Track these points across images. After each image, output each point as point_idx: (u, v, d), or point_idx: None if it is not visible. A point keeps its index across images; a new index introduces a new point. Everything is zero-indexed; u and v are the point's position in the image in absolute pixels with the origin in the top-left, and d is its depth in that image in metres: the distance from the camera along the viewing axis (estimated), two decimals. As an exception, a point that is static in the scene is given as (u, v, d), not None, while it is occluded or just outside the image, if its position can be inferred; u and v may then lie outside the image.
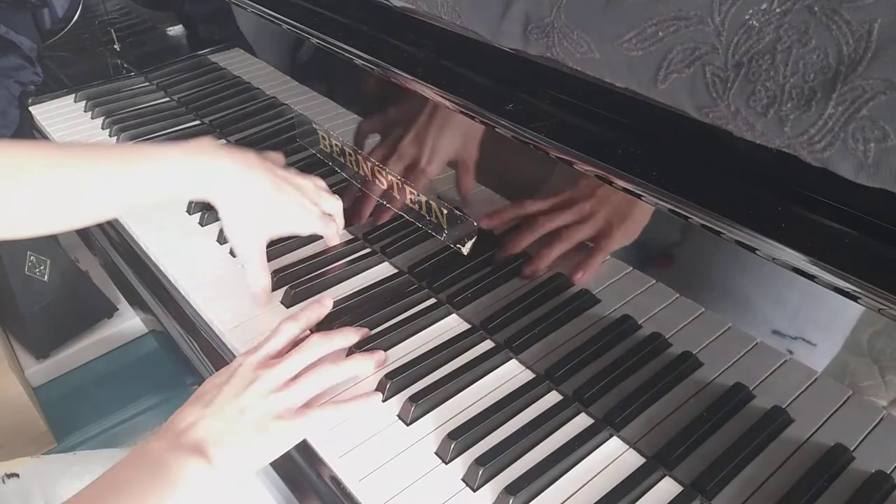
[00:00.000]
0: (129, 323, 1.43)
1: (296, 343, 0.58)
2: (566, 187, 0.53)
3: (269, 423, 0.51)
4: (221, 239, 0.76)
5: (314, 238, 0.76)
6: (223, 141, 0.79)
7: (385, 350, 0.61)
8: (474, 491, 0.51)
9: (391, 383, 0.57)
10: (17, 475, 0.68)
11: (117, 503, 0.46)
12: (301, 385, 0.54)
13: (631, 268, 0.51)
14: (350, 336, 0.61)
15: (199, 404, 0.52)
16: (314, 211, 0.68)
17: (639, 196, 0.47)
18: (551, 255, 0.56)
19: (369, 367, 0.59)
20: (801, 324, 0.43)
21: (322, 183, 0.71)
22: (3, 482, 0.67)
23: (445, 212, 0.63)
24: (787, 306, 0.43)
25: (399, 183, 0.67)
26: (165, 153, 0.61)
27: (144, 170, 0.60)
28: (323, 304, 0.63)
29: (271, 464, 0.55)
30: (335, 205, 0.71)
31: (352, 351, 0.61)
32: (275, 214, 0.66)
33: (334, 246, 0.74)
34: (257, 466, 0.52)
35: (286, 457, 0.54)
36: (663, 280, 0.50)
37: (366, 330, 0.63)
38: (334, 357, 0.59)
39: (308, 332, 0.61)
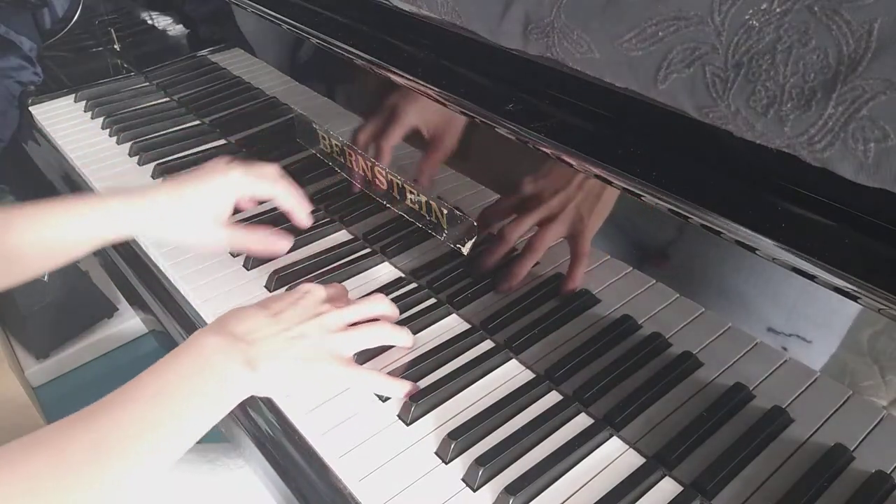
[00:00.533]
0: (129, 323, 1.43)
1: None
2: (569, 189, 0.53)
3: (321, 360, 0.53)
4: (221, 239, 0.76)
5: (314, 238, 0.76)
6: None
7: (384, 350, 0.62)
8: (474, 491, 0.51)
9: (391, 383, 0.57)
10: None
11: (154, 395, 0.46)
12: (359, 333, 0.56)
13: (631, 268, 0.51)
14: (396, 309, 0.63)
15: (263, 314, 0.53)
16: (232, 170, 0.65)
17: (639, 196, 0.47)
18: (549, 255, 0.56)
19: (409, 341, 0.61)
20: (800, 324, 0.43)
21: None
22: None
23: (445, 212, 0.63)
24: (786, 306, 0.43)
25: (399, 183, 0.67)
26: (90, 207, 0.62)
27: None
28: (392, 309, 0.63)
29: (271, 464, 0.55)
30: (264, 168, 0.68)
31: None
32: (197, 207, 0.64)
33: (329, 241, 0.75)
34: (296, 391, 0.55)
35: (287, 457, 0.54)
36: (663, 280, 0.50)
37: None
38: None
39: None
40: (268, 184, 0.67)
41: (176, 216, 0.63)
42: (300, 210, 0.68)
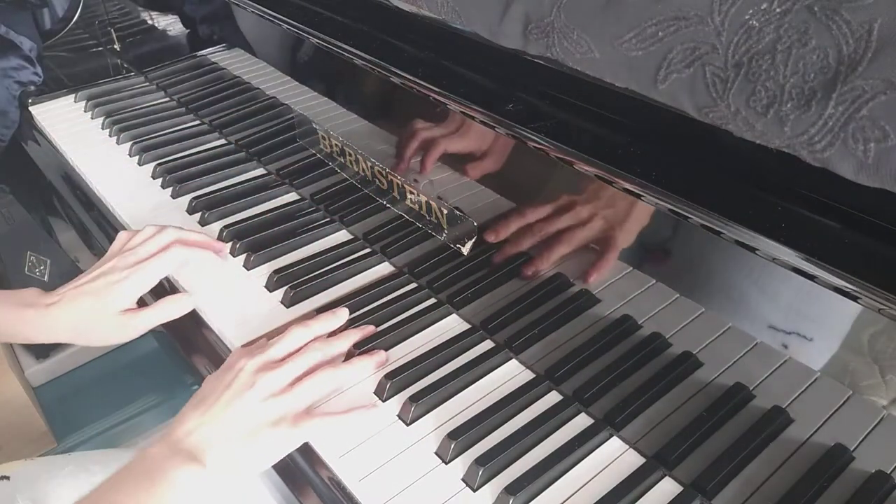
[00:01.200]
0: (129, 323, 1.43)
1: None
2: (569, 189, 0.53)
3: (266, 430, 0.51)
4: (222, 239, 0.76)
5: (314, 238, 0.76)
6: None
7: (385, 350, 0.61)
8: (474, 491, 0.51)
9: (391, 383, 0.57)
10: (7, 478, 0.67)
11: None
12: (299, 391, 0.54)
13: (631, 268, 0.51)
14: (351, 338, 0.61)
15: (199, 410, 0.52)
16: (126, 279, 0.64)
17: (639, 196, 0.47)
18: (552, 257, 0.56)
19: (369, 369, 0.59)
20: (800, 323, 0.43)
21: (140, 237, 0.68)
22: None
23: (445, 212, 0.63)
24: (786, 306, 0.43)
25: (399, 183, 0.67)
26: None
27: None
28: (337, 315, 0.63)
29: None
30: (157, 241, 0.67)
31: (352, 352, 0.61)
32: (100, 312, 0.64)
33: (329, 241, 0.74)
34: (254, 472, 0.52)
35: (286, 457, 0.54)
36: (663, 280, 0.50)
37: (370, 328, 0.63)
38: (334, 359, 0.59)
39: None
40: (161, 270, 0.66)
41: (84, 326, 0.64)
42: (202, 253, 0.70)
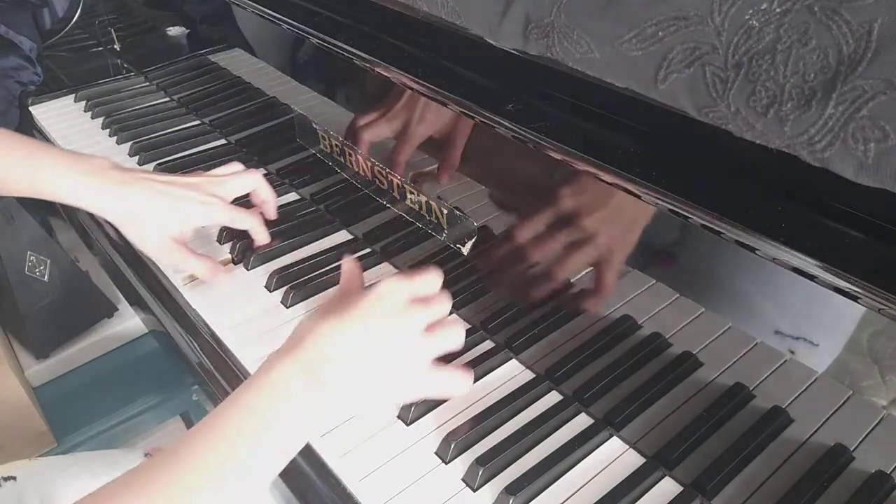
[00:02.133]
0: (129, 323, 1.43)
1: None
2: (570, 189, 0.53)
3: (419, 363, 0.49)
4: (222, 238, 0.76)
5: (314, 238, 0.76)
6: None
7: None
8: (474, 491, 0.51)
9: (391, 383, 0.57)
10: (14, 478, 0.67)
11: (246, 426, 0.44)
12: (443, 337, 0.50)
13: (631, 268, 0.51)
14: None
15: (345, 330, 0.47)
16: (213, 203, 0.66)
17: (639, 196, 0.47)
18: (553, 259, 0.56)
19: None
20: (800, 323, 0.43)
21: (228, 169, 0.71)
22: (1, 485, 0.67)
23: (445, 212, 0.63)
24: (786, 306, 0.43)
25: (399, 183, 0.67)
26: (65, 169, 0.64)
27: (43, 175, 0.64)
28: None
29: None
30: (243, 183, 0.70)
31: None
32: (164, 217, 0.65)
33: (329, 241, 0.74)
34: (383, 405, 0.51)
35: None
36: (663, 280, 0.50)
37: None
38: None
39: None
40: (241, 219, 0.69)
41: (140, 221, 0.65)
42: (263, 233, 0.72)
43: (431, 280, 0.53)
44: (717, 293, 0.47)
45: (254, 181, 0.71)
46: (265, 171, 0.88)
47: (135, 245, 0.68)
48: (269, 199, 0.73)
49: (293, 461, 0.54)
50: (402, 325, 0.48)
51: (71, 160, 0.65)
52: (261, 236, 0.72)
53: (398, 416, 0.56)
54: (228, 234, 0.76)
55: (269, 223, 0.76)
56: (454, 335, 0.51)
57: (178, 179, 0.67)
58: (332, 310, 0.48)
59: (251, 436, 0.44)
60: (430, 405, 0.57)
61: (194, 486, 0.41)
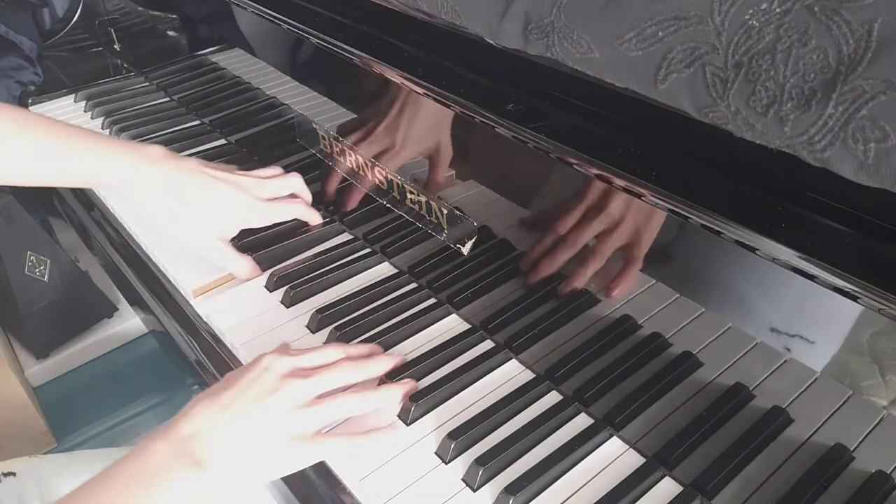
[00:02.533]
0: (129, 323, 1.43)
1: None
2: (569, 189, 0.53)
3: (283, 442, 0.48)
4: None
5: (314, 238, 0.76)
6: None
7: (385, 350, 0.61)
8: (474, 491, 0.51)
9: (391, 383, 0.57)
10: (14, 474, 0.68)
11: (107, 498, 0.45)
12: (325, 407, 0.50)
13: (624, 266, 0.51)
14: (384, 364, 0.57)
15: (213, 405, 0.48)
16: (266, 209, 0.69)
17: (639, 196, 0.47)
18: (556, 260, 0.56)
19: (397, 399, 0.55)
20: (800, 323, 0.43)
21: (270, 171, 0.73)
22: (0, 480, 0.67)
23: (445, 212, 0.63)
24: (786, 306, 0.43)
25: (399, 183, 0.67)
26: (131, 155, 0.65)
27: (91, 158, 0.64)
28: (393, 360, 0.58)
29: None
30: (285, 186, 0.72)
31: (382, 379, 0.58)
32: (212, 212, 0.67)
33: (329, 241, 0.75)
34: (258, 483, 0.49)
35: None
36: (663, 280, 0.50)
37: (401, 358, 0.59)
38: (363, 383, 0.56)
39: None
40: (292, 213, 0.72)
41: (197, 214, 0.66)
42: (314, 216, 0.74)
43: (321, 355, 0.54)
44: (717, 293, 0.47)
45: (295, 184, 0.73)
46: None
47: (182, 237, 0.68)
48: (308, 201, 0.75)
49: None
50: (273, 403, 0.48)
51: (132, 147, 0.65)
52: (313, 217, 0.75)
53: (398, 416, 0.56)
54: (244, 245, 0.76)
55: (269, 224, 0.76)
56: (335, 408, 0.51)
57: (230, 177, 0.68)
58: (212, 391, 0.50)
59: None
60: (431, 405, 0.57)
61: None
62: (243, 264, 0.69)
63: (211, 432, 0.47)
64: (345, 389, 0.54)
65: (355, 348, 0.58)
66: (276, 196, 0.72)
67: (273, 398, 0.49)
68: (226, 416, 0.48)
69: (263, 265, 0.72)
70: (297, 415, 0.49)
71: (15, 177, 0.65)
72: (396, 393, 0.55)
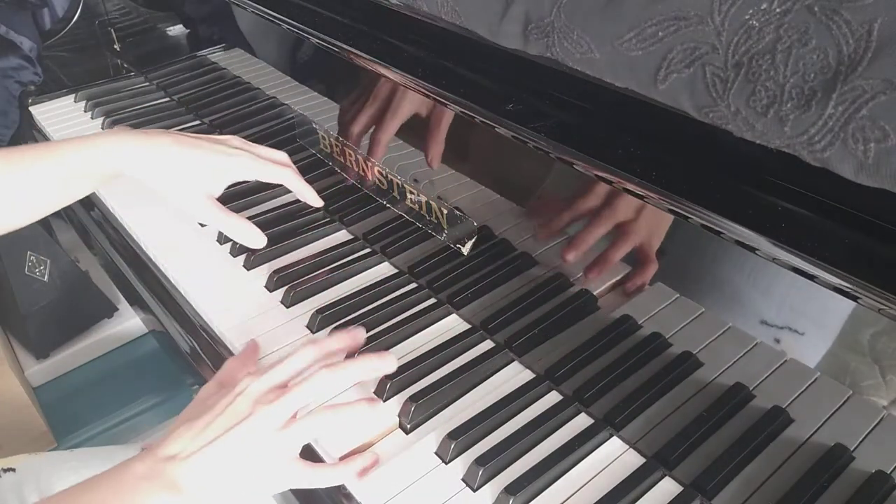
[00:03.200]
0: (129, 323, 1.43)
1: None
2: (570, 189, 0.53)
3: (261, 464, 0.48)
4: (221, 238, 0.76)
5: (314, 238, 0.76)
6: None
7: (385, 350, 0.61)
8: (474, 491, 0.51)
9: (391, 383, 0.57)
10: (14, 470, 0.68)
11: None
12: (300, 427, 0.49)
13: (631, 268, 0.51)
14: (371, 365, 0.54)
15: (189, 432, 0.48)
16: (242, 154, 0.66)
17: (639, 196, 0.47)
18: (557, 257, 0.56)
19: (370, 413, 0.53)
20: (800, 323, 0.43)
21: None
22: (0, 476, 0.67)
23: (445, 212, 0.63)
24: (786, 306, 0.43)
25: (399, 183, 0.67)
26: (82, 139, 0.63)
27: (69, 152, 0.62)
28: (353, 335, 0.57)
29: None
30: (273, 154, 0.69)
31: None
32: (199, 168, 0.64)
33: (329, 241, 0.74)
34: (238, 496, 0.49)
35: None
36: (663, 280, 0.50)
37: (392, 357, 0.55)
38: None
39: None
40: (275, 170, 0.67)
41: (173, 172, 0.63)
42: (308, 193, 0.69)
43: (295, 363, 0.52)
44: (717, 293, 0.47)
45: (282, 156, 0.70)
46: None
47: (171, 200, 0.65)
48: (302, 190, 0.70)
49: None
50: (248, 430, 0.48)
51: (82, 137, 0.63)
52: (307, 195, 0.70)
53: (398, 416, 0.56)
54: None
55: (269, 223, 0.76)
56: (311, 427, 0.50)
57: (205, 136, 0.66)
58: (190, 414, 0.50)
59: None
60: (431, 405, 0.57)
61: None
62: (237, 223, 0.65)
63: (187, 457, 0.47)
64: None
65: (334, 341, 0.56)
66: (262, 153, 0.68)
67: (247, 424, 0.48)
68: (201, 441, 0.48)
69: (258, 260, 0.72)
70: (272, 438, 0.48)
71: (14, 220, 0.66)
72: (369, 409, 0.53)
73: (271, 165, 0.67)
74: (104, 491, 0.46)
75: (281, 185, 0.83)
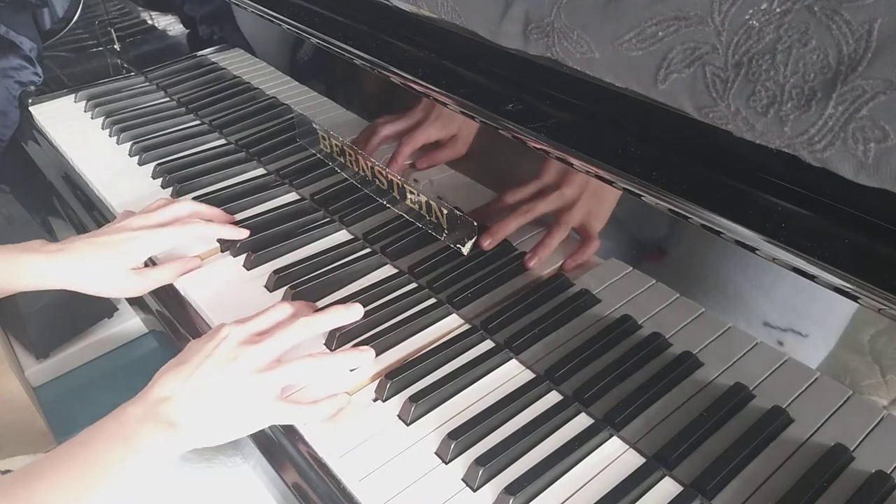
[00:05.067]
0: (129, 323, 1.43)
1: None
2: (572, 191, 0.53)
3: (245, 405, 0.52)
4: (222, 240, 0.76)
5: (314, 238, 0.76)
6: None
7: (385, 350, 0.61)
8: (474, 491, 0.51)
9: (391, 383, 0.57)
10: (10, 472, 0.68)
11: (85, 463, 0.49)
12: (284, 369, 0.54)
13: (631, 268, 0.51)
14: (340, 315, 0.61)
15: (178, 375, 0.52)
16: (140, 235, 0.68)
17: (639, 196, 0.47)
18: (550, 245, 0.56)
19: (353, 363, 0.59)
20: (800, 323, 0.43)
21: (155, 205, 0.72)
22: None
23: (445, 212, 0.63)
24: (786, 306, 0.43)
25: (399, 183, 0.67)
26: (15, 257, 0.64)
27: None
28: (352, 310, 0.62)
29: (270, 463, 0.55)
30: (172, 208, 0.71)
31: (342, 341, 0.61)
32: (113, 260, 0.66)
33: (329, 241, 0.74)
34: (227, 440, 0.53)
35: (286, 455, 0.54)
36: (663, 280, 0.50)
37: (358, 306, 0.62)
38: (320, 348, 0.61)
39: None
40: (177, 231, 0.69)
41: (92, 274, 0.66)
42: (224, 231, 0.73)
43: (273, 314, 0.59)
44: (717, 293, 0.47)
45: (184, 208, 0.72)
46: (265, 171, 0.88)
47: (101, 295, 0.68)
48: (217, 217, 0.74)
49: (293, 461, 0.54)
50: (234, 370, 0.53)
51: (5, 249, 0.65)
52: (223, 233, 0.73)
53: (398, 416, 0.56)
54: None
55: (269, 223, 0.76)
56: (293, 370, 0.55)
57: (107, 227, 0.70)
58: (177, 361, 0.54)
59: (93, 476, 0.48)
60: (431, 405, 0.57)
61: None
62: (165, 271, 0.69)
63: (180, 398, 0.51)
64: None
65: (305, 306, 0.63)
66: (170, 218, 0.70)
67: (234, 365, 0.53)
68: (191, 383, 0.52)
69: (258, 260, 0.72)
70: (257, 378, 0.53)
71: None
72: (353, 358, 0.59)
73: (171, 229, 0.69)
74: (106, 438, 0.50)
75: (281, 185, 0.84)
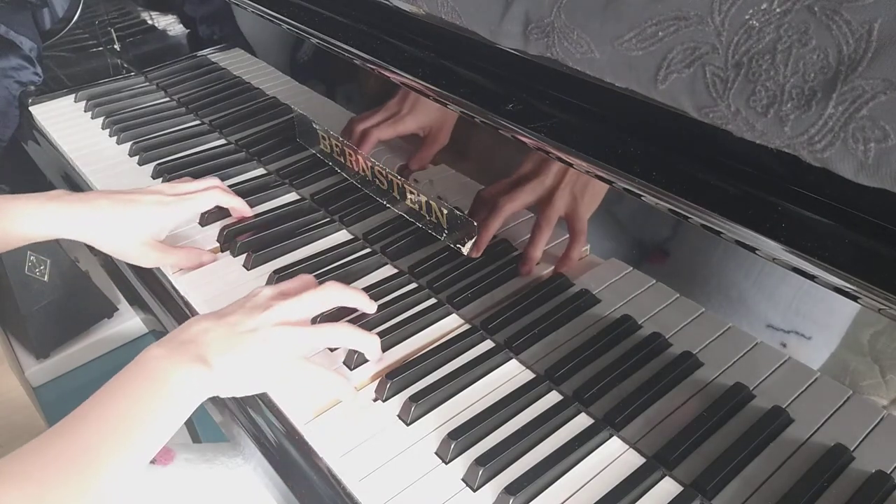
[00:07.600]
0: (129, 323, 1.43)
1: None
2: (572, 190, 0.53)
3: (274, 353, 0.53)
4: (221, 238, 0.76)
5: (314, 238, 0.76)
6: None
7: (385, 350, 0.61)
8: (474, 491, 0.51)
9: (391, 383, 0.57)
10: None
11: (115, 406, 0.47)
12: (312, 329, 0.55)
13: (631, 268, 0.51)
14: (364, 299, 0.62)
15: (210, 318, 0.53)
16: (168, 201, 0.69)
17: (639, 196, 0.47)
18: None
19: (371, 343, 0.59)
20: (801, 323, 0.43)
21: (184, 185, 0.73)
22: None
23: (445, 212, 0.63)
24: (787, 306, 0.43)
25: (399, 183, 0.67)
26: (27, 200, 0.65)
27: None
28: (371, 302, 0.63)
29: (271, 464, 0.55)
30: (198, 184, 0.73)
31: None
32: (133, 222, 0.67)
33: (329, 241, 0.75)
34: (252, 390, 0.54)
35: (286, 456, 0.54)
36: (663, 280, 0.50)
37: (374, 303, 0.64)
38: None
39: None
40: (205, 197, 0.72)
41: (111, 229, 0.66)
42: (237, 203, 0.75)
43: (297, 280, 0.60)
44: (717, 293, 0.47)
45: (210, 181, 0.74)
46: (265, 171, 0.88)
47: (115, 256, 0.70)
48: (236, 198, 0.76)
49: (293, 461, 0.54)
50: (264, 315, 0.53)
51: (30, 197, 0.65)
52: (237, 206, 0.75)
53: (398, 416, 0.56)
54: (210, 217, 0.78)
55: (269, 223, 0.76)
56: (320, 332, 0.56)
57: (137, 189, 0.70)
58: (208, 314, 0.55)
59: (125, 418, 0.47)
60: (431, 405, 0.57)
61: (75, 469, 0.45)
62: (180, 255, 0.70)
63: (210, 337, 0.51)
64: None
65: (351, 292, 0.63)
66: (198, 189, 0.72)
67: (265, 314, 0.54)
68: (223, 324, 0.52)
69: (258, 260, 0.72)
70: (286, 329, 0.54)
71: None
72: (370, 339, 0.59)
73: (199, 195, 0.71)
74: (131, 383, 0.48)
75: (281, 185, 0.84)
